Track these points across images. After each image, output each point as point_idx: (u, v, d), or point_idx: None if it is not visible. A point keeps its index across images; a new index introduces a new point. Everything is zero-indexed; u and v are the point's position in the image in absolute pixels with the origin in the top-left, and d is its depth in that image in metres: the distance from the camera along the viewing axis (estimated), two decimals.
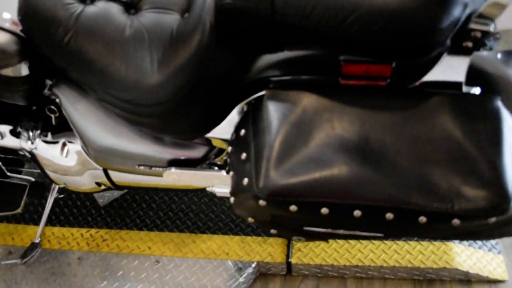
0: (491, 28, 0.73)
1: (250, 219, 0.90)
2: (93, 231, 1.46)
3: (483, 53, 0.88)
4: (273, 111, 0.84)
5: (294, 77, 0.92)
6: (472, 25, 0.73)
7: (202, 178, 1.05)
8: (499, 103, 0.80)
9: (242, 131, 0.89)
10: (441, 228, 0.79)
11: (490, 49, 0.81)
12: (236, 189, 0.86)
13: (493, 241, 1.36)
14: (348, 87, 0.88)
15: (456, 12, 0.70)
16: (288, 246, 1.34)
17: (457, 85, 0.84)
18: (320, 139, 0.80)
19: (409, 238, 1.32)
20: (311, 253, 1.32)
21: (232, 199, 0.88)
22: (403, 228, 0.81)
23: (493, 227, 0.80)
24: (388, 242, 1.33)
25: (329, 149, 0.79)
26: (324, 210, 0.79)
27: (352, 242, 1.33)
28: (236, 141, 0.90)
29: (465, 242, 1.34)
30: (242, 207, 0.87)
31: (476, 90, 0.87)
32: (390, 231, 0.86)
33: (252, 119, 0.87)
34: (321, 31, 0.75)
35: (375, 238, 0.93)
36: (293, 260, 1.31)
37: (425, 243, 1.32)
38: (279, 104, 0.84)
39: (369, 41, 0.73)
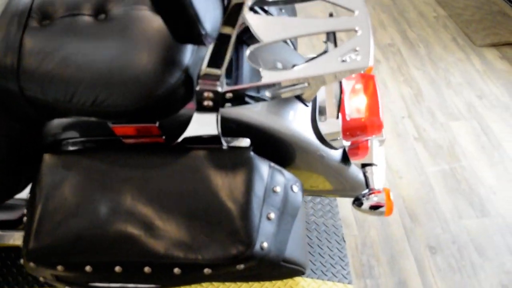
0: (219, 88, 0.79)
1: (41, 279, 0.93)
2: None
3: (257, 105, 0.95)
4: (46, 175, 0.88)
5: (87, 138, 0.97)
6: (199, 87, 0.79)
7: (16, 238, 1.08)
8: (251, 155, 0.86)
9: (28, 195, 0.92)
10: (197, 277, 0.83)
11: (259, 100, 0.87)
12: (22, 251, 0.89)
13: (343, 271, 1.42)
14: (131, 145, 0.93)
15: (172, 79, 0.76)
16: None
17: (217, 138, 0.90)
18: (85, 200, 0.84)
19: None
20: None
21: (21, 261, 0.91)
22: (163, 279, 0.85)
23: (259, 272, 0.85)
24: (239, 283, 1.36)
25: (92, 209, 0.83)
26: (88, 268, 0.82)
27: (204, 284, 1.36)
28: (26, 205, 0.94)
29: (313, 275, 1.39)
30: (28, 268, 0.90)
31: (246, 141, 0.94)
32: (158, 283, 0.90)
33: (33, 183, 0.91)
34: (61, 105, 0.80)
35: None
36: None
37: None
38: (54, 167, 0.88)
39: (99, 111, 0.79)
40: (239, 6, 0.69)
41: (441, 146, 1.80)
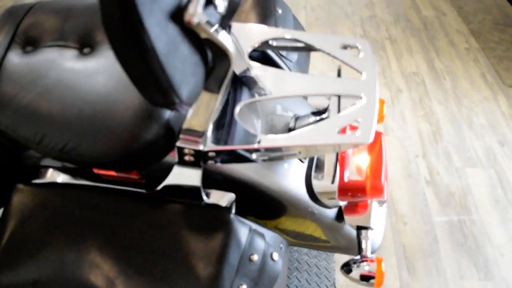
0: (201, 146, 0.72)
1: None
2: None
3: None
4: (16, 208, 0.83)
5: (66, 167, 0.92)
6: (179, 142, 0.72)
7: None
8: (231, 217, 0.79)
9: None
10: None
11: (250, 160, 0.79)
12: None
13: None
14: (108, 186, 0.87)
15: (148, 135, 0.70)
16: None
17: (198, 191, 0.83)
18: (50, 243, 0.79)
19: None
20: None
21: None
22: None
23: None
24: None
25: (56, 254, 0.78)
26: None
27: None
28: None
29: None
30: None
31: (230, 197, 0.86)
32: None
33: (4, 212, 0.86)
34: (31, 145, 0.75)
35: None
36: None
37: None
38: (25, 200, 0.83)
39: (69, 158, 0.73)
40: (224, 72, 0.62)
41: (453, 194, 1.70)
